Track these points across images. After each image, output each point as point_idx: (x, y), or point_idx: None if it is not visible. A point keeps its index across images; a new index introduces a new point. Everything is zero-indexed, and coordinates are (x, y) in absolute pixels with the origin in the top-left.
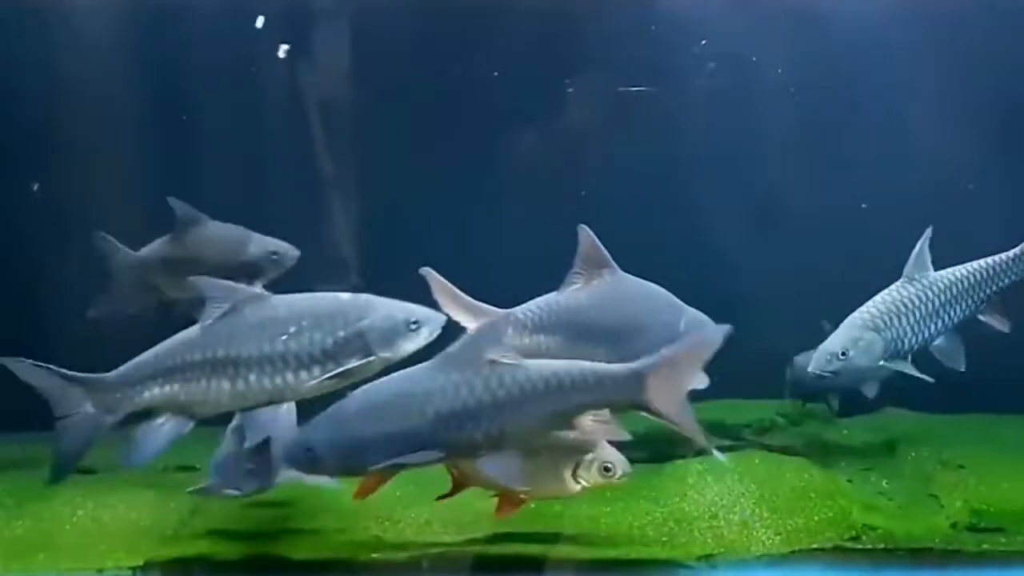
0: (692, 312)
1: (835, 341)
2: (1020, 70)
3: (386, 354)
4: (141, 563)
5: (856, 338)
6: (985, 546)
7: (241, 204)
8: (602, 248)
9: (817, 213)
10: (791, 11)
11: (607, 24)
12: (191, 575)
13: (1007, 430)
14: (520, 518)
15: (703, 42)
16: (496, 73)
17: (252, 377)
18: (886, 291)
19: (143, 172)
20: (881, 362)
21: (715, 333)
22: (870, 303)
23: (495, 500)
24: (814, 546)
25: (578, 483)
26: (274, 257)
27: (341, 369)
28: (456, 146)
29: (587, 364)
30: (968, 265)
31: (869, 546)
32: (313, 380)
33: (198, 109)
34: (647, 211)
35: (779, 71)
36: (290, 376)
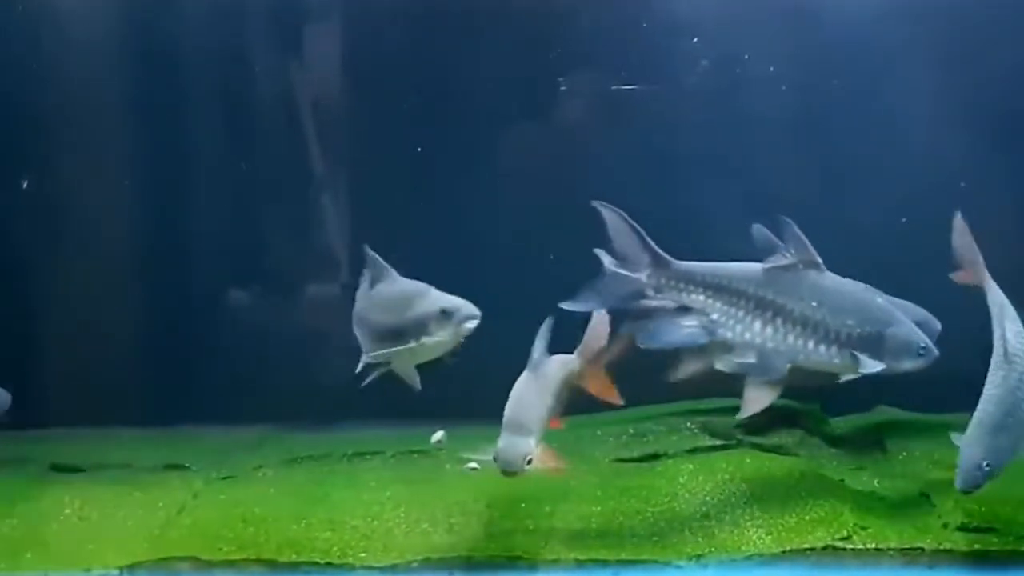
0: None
1: (976, 452)
2: (1015, 67)
3: None
4: (129, 563)
5: (988, 447)
6: (977, 546)
7: (239, 203)
8: (777, 242)
9: (814, 211)
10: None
11: (601, 20)
12: (179, 575)
13: None
14: (509, 517)
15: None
16: (491, 71)
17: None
18: (995, 382)
19: (145, 172)
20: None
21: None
22: (986, 398)
23: (486, 500)
24: (805, 546)
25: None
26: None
27: None
28: (450, 144)
29: None
30: None
31: (860, 546)
32: None
33: (195, 107)
34: (644, 208)
35: (772, 68)
36: None
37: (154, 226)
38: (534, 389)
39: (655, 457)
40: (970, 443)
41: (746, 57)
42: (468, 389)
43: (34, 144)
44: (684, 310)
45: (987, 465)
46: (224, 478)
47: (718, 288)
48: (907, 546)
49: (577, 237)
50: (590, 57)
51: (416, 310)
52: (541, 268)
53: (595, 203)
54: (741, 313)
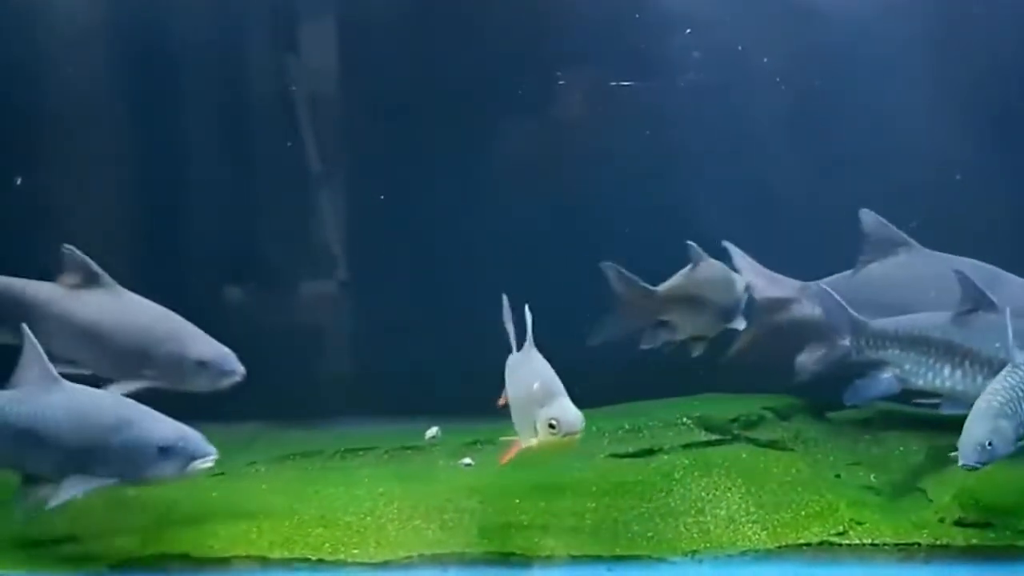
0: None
1: (979, 432)
2: (1009, 64)
3: None
4: (119, 560)
5: (994, 428)
6: (973, 541)
7: (233, 200)
8: (890, 227)
9: (810, 208)
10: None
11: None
12: (169, 573)
13: None
14: (503, 513)
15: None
16: (490, 68)
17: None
18: (1001, 378)
19: (135, 169)
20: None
21: None
22: (991, 391)
23: (480, 497)
24: (801, 541)
25: (535, 437)
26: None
27: None
28: (446, 142)
29: None
30: None
31: (856, 541)
32: None
33: (190, 106)
34: (641, 206)
35: (766, 61)
36: None
37: (147, 223)
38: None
39: (650, 452)
40: (974, 422)
41: (764, 60)
42: (461, 385)
43: (28, 143)
44: (880, 364)
45: (990, 444)
46: (216, 475)
47: (910, 341)
48: (903, 541)
49: (570, 237)
50: (588, 53)
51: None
52: (533, 268)
53: (815, 287)
54: (931, 360)
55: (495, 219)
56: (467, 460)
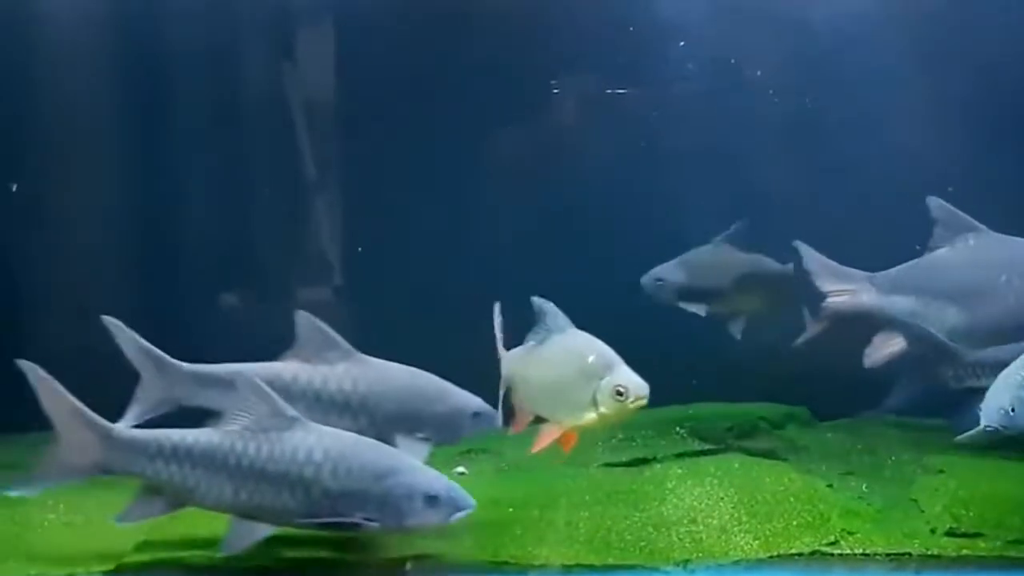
0: None
1: (1004, 397)
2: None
3: None
4: (113, 567)
5: (1019, 396)
6: (964, 551)
7: (226, 206)
8: (958, 212)
9: (806, 213)
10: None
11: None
12: None
13: None
14: (496, 522)
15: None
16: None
17: None
18: None
19: (130, 177)
20: None
21: None
22: (1018, 364)
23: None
24: (792, 551)
25: (596, 410)
26: None
27: None
28: (442, 146)
29: None
30: None
31: (848, 551)
32: None
33: (185, 108)
34: (637, 210)
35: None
36: None
37: (142, 230)
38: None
39: (644, 462)
40: (1000, 388)
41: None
42: None
43: (25, 147)
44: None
45: (1012, 410)
46: None
47: (1002, 365)
48: (895, 551)
49: (568, 242)
50: (582, 60)
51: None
52: (531, 275)
53: (909, 331)
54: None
55: (490, 225)
56: (461, 468)
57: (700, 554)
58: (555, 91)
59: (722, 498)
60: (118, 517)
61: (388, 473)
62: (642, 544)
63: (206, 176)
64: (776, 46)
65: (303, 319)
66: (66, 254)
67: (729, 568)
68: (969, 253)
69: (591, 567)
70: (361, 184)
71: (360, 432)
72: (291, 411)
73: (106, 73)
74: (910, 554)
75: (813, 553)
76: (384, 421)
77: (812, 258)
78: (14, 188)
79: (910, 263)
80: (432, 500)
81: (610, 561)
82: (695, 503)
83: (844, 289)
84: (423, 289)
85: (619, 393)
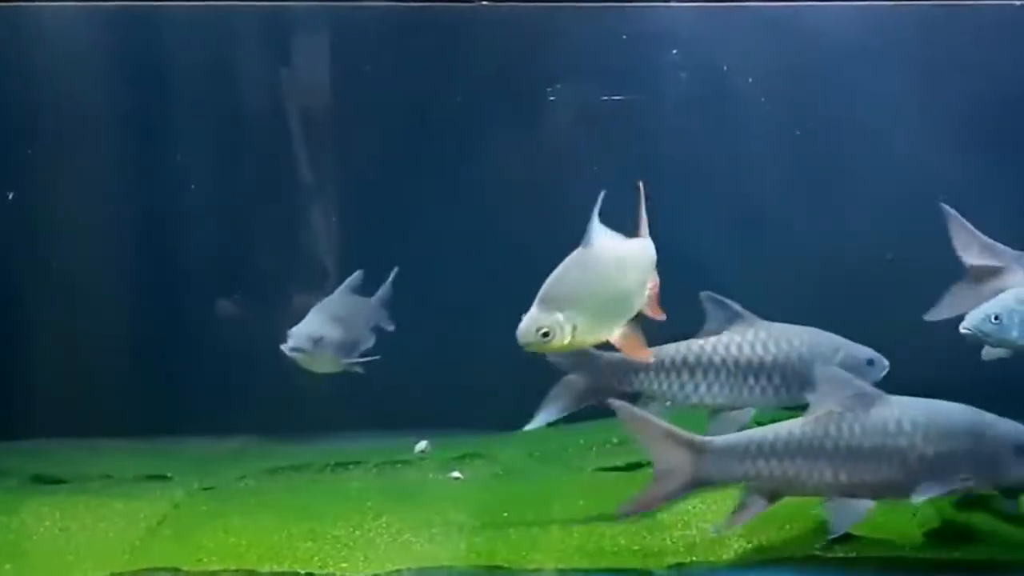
0: None
1: (993, 305)
2: (996, 78)
3: None
4: (108, 574)
5: (1013, 309)
6: (956, 555)
7: (224, 212)
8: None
9: (805, 220)
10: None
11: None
12: None
13: None
14: (491, 527)
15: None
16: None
17: None
18: None
19: (128, 183)
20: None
21: None
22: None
23: (468, 511)
24: (786, 555)
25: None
26: None
27: None
28: (440, 153)
29: None
30: None
31: (841, 555)
32: None
33: (184, 113)
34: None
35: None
36: None
37: (138, 236)
38: (579, 263)
39: (639, 466)
40: (994, 300)
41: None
42: (452, 398)
43: (21, 154)
44: None
45: (996, 318)
46: (205, 488)
47: None
48: (888, 555)
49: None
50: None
51: None
52: (526, 280)
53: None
54: None
55: (486, 233)
56: (456, 473)
57: (694, 558)
58: (551, 99)
59: (716, 502)
60: (716, 527)
61: (976, 430)
62: (636, 548)
63: (201, 178)
64: None
65: (707, 298)
66: (56, 260)
67: (723, 572)
68: None
69: (585, 571)
70: (357, 193)
71: (774, 390)
72: (871, 388)
73: (103, 81)
74: (903, 558)
75: (807, 557)
76: (793, 378)
77: (959, 226)
78: (10, 196)
79: None
80: (1021, 450)
81: (604, 565)
82: (689, 507)
83: (991, 265)
84: (416, 302)
85: None
